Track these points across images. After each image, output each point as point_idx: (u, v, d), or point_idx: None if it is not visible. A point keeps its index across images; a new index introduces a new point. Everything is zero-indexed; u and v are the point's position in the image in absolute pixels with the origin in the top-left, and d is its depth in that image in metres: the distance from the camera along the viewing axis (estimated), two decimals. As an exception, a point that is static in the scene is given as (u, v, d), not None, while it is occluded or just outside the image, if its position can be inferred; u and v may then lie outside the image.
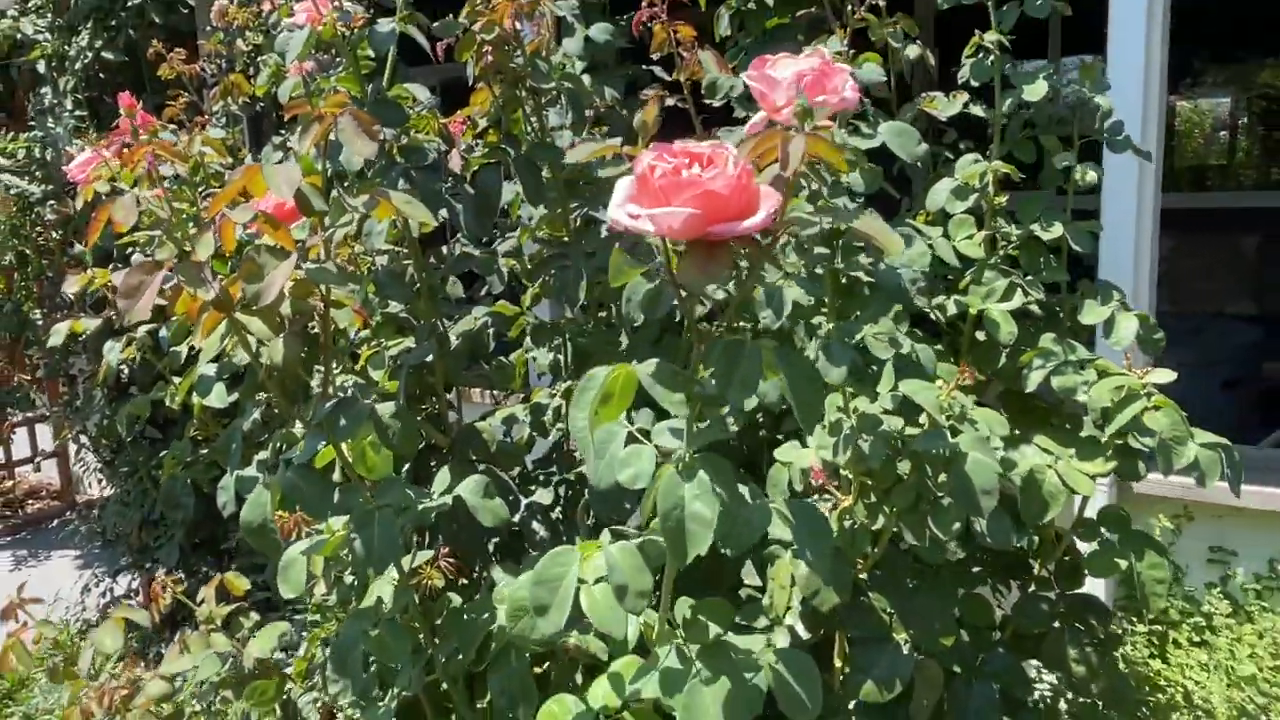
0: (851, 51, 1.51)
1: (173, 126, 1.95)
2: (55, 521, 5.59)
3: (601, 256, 1.65)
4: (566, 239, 1.73)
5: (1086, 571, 1.61)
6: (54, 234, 3.52)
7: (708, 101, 1.82)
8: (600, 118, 1.97)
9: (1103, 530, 1.61)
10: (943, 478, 1.27)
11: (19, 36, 3.43)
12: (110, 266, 1.97)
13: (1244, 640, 2.31)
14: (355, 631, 1.30)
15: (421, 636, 1.45)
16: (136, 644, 3.59)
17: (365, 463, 1.38)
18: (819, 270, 1.27)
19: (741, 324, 1.45)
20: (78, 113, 3.34)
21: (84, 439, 3.92)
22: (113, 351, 1.87)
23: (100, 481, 5.95)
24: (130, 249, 3.16)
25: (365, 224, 1.43)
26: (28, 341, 5.06)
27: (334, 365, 1.34)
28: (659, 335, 1.82)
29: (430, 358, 1.61)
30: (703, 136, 1.66)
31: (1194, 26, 7.71)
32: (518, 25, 1.42)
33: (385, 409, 1.26)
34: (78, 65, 3.28)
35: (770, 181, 0.91)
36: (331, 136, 1.14)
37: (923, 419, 1.31)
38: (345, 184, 1.71)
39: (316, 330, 1.26)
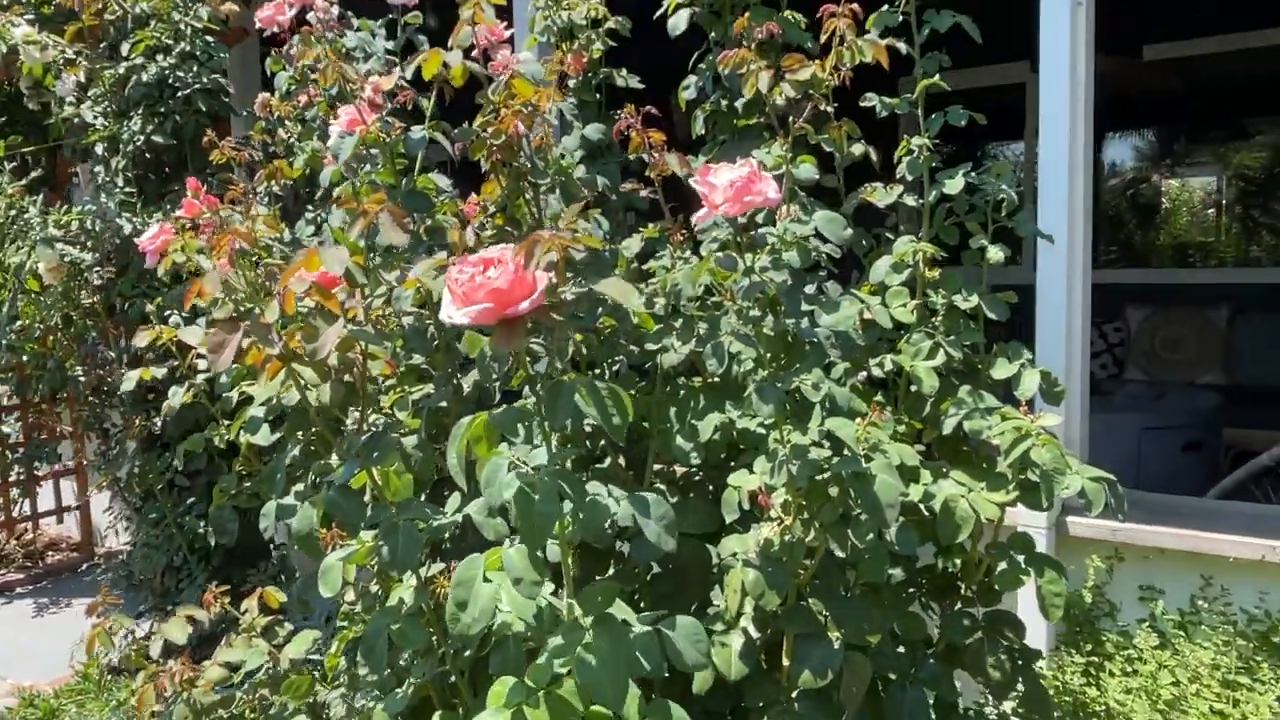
0: (791, 156, 1.85)
1: (232, 207, 2.28)
2: (81, 569, 5.84)
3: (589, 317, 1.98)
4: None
5: (996, 586, 1.90)
6: (97, 297, 3.86)
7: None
8: (597, 201, 2.31)
9: (1011, 552, 1.90)
10: (858, 499, 1.57)
11: (76, 120, 3.82)
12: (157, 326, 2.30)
13: (1166, 667, 2.57)
14: (381, 625, 1.59)
15: (435, 637, 1.74)
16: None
17: (390, 487, 1.68)
18: (758, 329, 1.59)
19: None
20: (127, 189, 3.71)
21: (110, 489, 4.20)
22: (177, 396, 2.18)
23: (117, 534, 6.24)
24: (167, 310, 3.50)
25: (394, 291, 1.75)
26: (57, 398, 5.40)
27: (368, 406, 1.65)
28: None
29: (445, 402, 1.92)
30: (672, 218, 2.01)
31: (1173, 109, 8.17)
32: (520, 129, 1.76)
33: (409, 442, 1.56)
34: (129, 147, 3.66)
35: (546, 267, 1.26)
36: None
37: (845, 450, 1.62)
38: (375, 256, 2.04)
39: (352, 378, 1.57)
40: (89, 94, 3.68)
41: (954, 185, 2.01)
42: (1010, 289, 2.20)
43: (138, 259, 3.77)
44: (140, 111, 3.70)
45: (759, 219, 1.87)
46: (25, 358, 4.22)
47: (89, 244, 3.75)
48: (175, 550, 4.07)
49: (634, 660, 1.41)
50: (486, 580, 1.52)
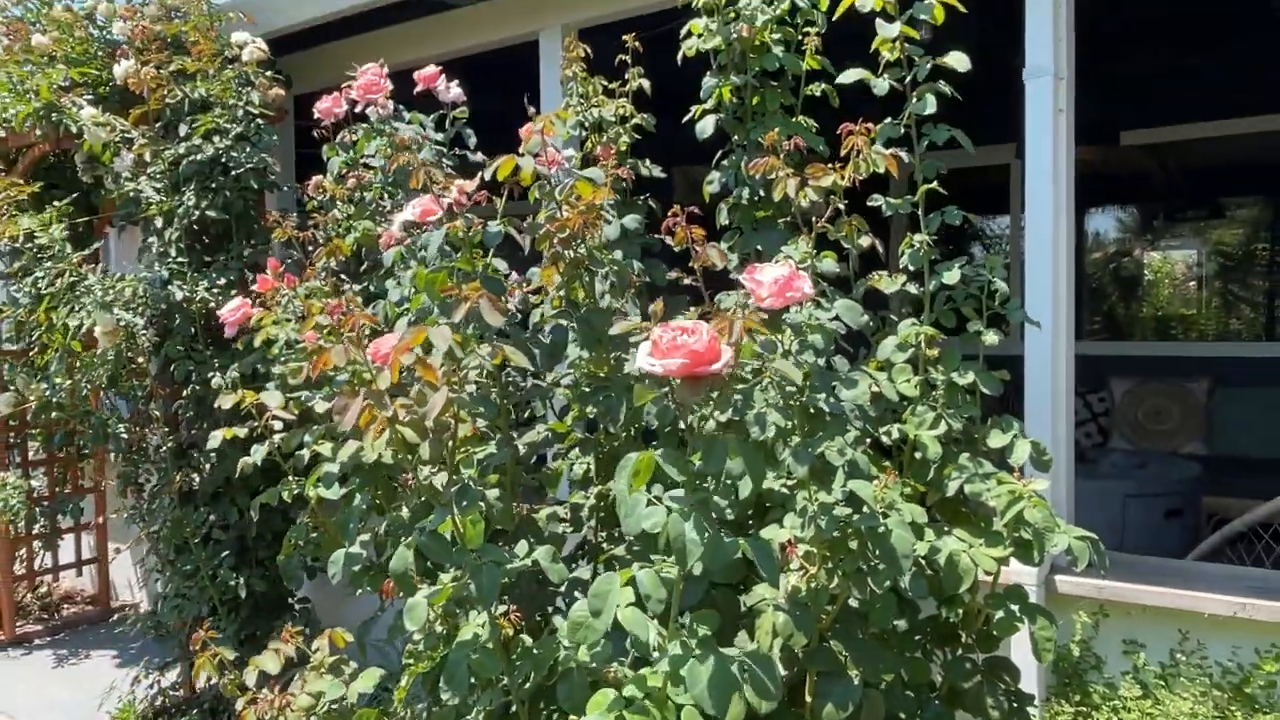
0: (817, 252, 2.14)
1: (316, 285, 2.54)
2: (98, 622, 5.97)
3: (622, 391, 2.24)
4: (605, 375, 2.32)
5: (994, 632, 2.14)
6: (145, 359, 4.10)
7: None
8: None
9: (1007, 602, 2.15)
10: (876, 550, 1.82)
11: (132, 195, 4.10)
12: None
13: (1149, 716, 2.79)
14: (461, 655, 1.81)
15: (502, 669, 1.96)
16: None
17: (468, 535, 1.92)
18: (791, 402, 1.85)
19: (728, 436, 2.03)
20: (179, 259, 3.98)
21: (149, 542, 4.39)
22: (258, 453, 2.42)
23: (132, 589, 6.38)
24: (231, 374, 3.73)
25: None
26: (83, 454, 5.60)
27: (454, 463, 1.89)
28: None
29: (504, 461, 2.17)
30: (710, 301, 2.28)
31: (1151, 188, 8.58)
32: (582, 224, 2.04)
33: (491, 494, 1.81)
34: (183, 220, 3.94)
35: (729, 341, 1.54)
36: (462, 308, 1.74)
37: (865, 508, 1.88)
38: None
39: (444, 438, 1.82)
40: (148, 170, 3.97)
41: (951, 276, 2.30)
42: (1001, 360, 2.48)
43: (184, 323, 4.04)
44: (193, 187, 3.99)
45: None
46: (67, 414, 4.44)
47: (139, 309, 4.01)
48: (206, 602, 4.25)
49: (734, 680, 1.65)
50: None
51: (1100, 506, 4.86)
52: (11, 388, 4.82)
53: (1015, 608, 2.12)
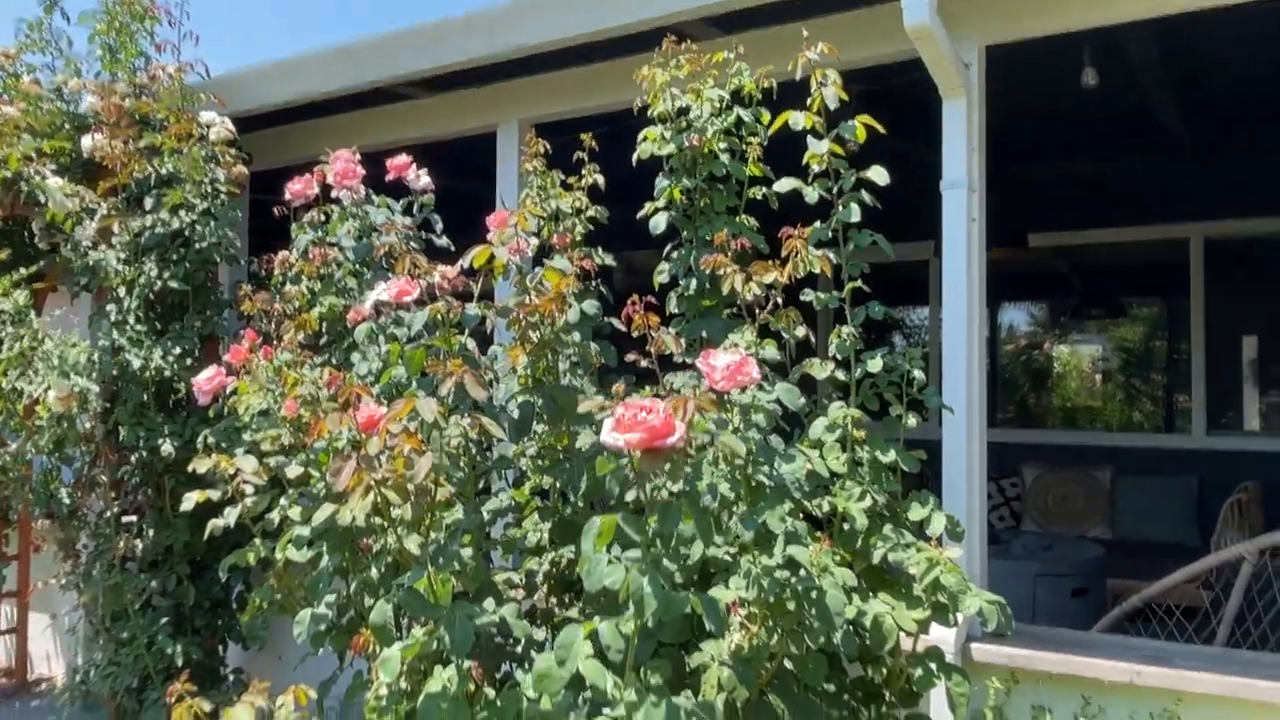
0: (760, 340, 2.39)
1: (287, 356, 2.69)
2: (23, 693, 5.82)
3: (582, 463, 2.44)
4: (563, 448, 2.52)
5: (914, 689, 2.35)
6: (95, 424, 4.16)
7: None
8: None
9: (925, 661, 2.37)
10: (812, 610, 2.03)
11: (89, 264, 4.20)
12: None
13: (1053, 774, 3.01)
14: (431, 705, 1.95)
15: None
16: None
17: (438, 592, 2.08)
18: (737, 474, 2.08)
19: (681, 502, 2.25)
20: (138, 327, 4.08)
21: (86, 608, 4.36)
22: (231, 515, 2.53)
23: (49, 660, 6.21)
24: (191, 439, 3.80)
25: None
26: (9, 519, 5.52)
27: (434, 525, 2.06)
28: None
29: (472, 527, 2.33)
30: (661, 382, 2.51)
31: (1059, 286, 9.16)
32: (554, 310, 2.26)
33: (465, 554, 1.97)
34: (143, 290, 4.05)
35: (683, 419, 1.76)
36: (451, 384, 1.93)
37: (802, 571, 2.09)
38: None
39: (423, 500, 1.99)
40: (111, 240, 4.08)
41: (875, 365, 2.57)
42: (919, 443, 2.75)
43: (136, 390, 4.11)
44: (153, 258, 4.12)
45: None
46: (8, 479, 4.43)
47: (93, 375, 4.08)
48: (139, 671, 4.23)
49: None
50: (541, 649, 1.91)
51: (1012, 585, 5.15)
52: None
53: (934, 665, 2.34)
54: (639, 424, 1.74)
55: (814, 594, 2.01)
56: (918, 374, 2.59)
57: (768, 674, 2.19)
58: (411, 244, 3.23)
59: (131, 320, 4.07)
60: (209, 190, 4.15)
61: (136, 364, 3.97)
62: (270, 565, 2.65)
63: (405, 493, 1.86)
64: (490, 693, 2.10)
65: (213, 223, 4.13)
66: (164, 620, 4.14)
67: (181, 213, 4.06)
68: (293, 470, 2.48)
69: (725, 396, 2.30)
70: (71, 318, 4.78)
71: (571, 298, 2.92)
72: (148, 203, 4.11)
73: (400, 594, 1.92)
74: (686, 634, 2.32)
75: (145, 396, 4.11)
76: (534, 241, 3.51)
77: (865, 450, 2.60)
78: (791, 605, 2.09)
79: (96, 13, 4.52)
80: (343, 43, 4.31)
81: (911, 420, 2.58)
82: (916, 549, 2.36)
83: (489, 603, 2.11)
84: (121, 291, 4.06)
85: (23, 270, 4.14)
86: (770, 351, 2.40)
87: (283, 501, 2.52)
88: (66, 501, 4.28)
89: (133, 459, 4.12)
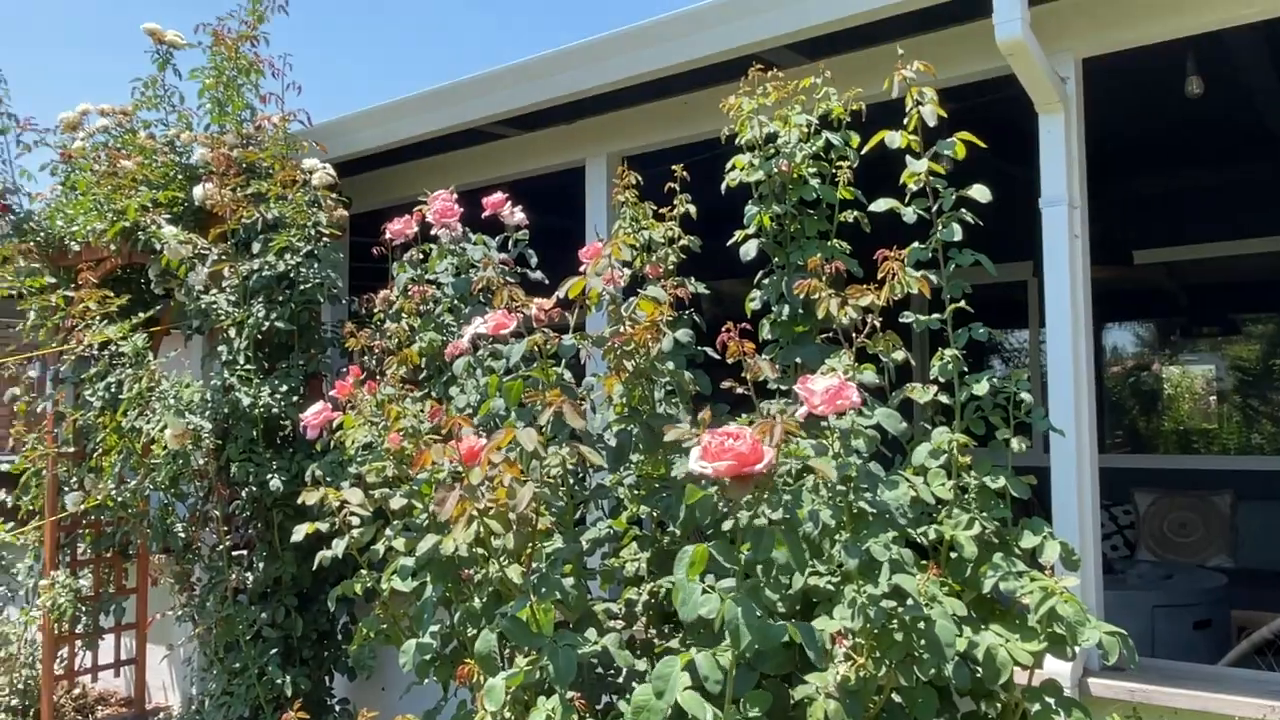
0: (858, 364, 2.35)
1: (391, 390, 2.76)
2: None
3: (679, 492, 2.42)
4: (659, 476, 2.51)
5: (1029, 724, 2.25)
6: (208, 460, 4.32)
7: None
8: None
9: (1042, 695, 2.27)
10: (921, 640, 1.96)
11: (202, 307, 4.39)
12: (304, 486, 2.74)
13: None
14: (536, 734, 1.96)
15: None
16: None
17: (540, 622, 2.08)
18: (838, 501, 2.03)
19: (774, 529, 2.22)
20: (247, 366, 4.24)
21: (201, 640, 4.51)
22: (339, 546, 2.59)
23: (165, 691, 6.44)
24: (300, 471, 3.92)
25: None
26: (128, 553, 5.75)
27: (536, 554, 2.07)
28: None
29: (571, 556, 2.34)
30: (757, 406, 2.48)
31: (1168, 304, 8.80)
32: (648, 339, 2.26)
33: (567, 583, 1.98)
34: (251, 330, 4.21)
35: (771, 444, 1.73)
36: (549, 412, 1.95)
37: (909, 601, 2.03)
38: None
39: (525, 529, 2.01)
40: (222, 284, 4.27)
41: (981, 388, 2.49)
42: (1025, 469, 2.65)
43: (245, 427, 4.26)
44: (260, 300, 4.28)
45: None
46: (124, 513, 4.63)
47: (205, 413, 4.24)
48: (250, 702, 4.35)
49: None
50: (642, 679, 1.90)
51: (1129, 617, 4.92)
52: (68, 488, 5.05)
53: (1051, 701, 2.24)
54: (726, 451, 1.73)
55: (922, 624, 1.95)
56: (1025, 396, 2.51)
57: (875, 708, 2.13)
58: (507, 278, 3.29)
59: (241, 360, 4.23)
60: (311, 234, 4.30)
61: (246, 401, 4.12)
62: (376, 596, 2.70)
63: (507, 522, 1.88)
64: (594, 724, 2.09)
65: (315, 264, 4.27)
66: (273, 651, 4.25)
67: (287, 256, 4.21)
68: (396, 501, 2.52)
69: (825, 422, 2.26)
70: (183, 360, 4.99)
71: (665, 326, 2.93)
72: (255, 247, 4.28)
73: (504, 623, 1.93)
74: (789, 666, 2.27)
75: (254, 433, 4.26)
76: (626, 272, 3.55)
77: (972, 476, 2.52)
78: (899, 636, 2.03)
79: (205, 68, 4.75)
80: (435, 87, 4.44)
81: (1021, 445, 2.49)
82: (1030, 578, 2.27)
83: (590, 633, 2.11)
84: (231, 332, 4.22)
85: (140, 315, 4.34)
86: (869, 376, 2.35)
87: (387, 533, 2.56)
88: (181, 536, 4.44)
89: (243, 494, 4.26)
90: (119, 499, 4.33)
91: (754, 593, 1.79)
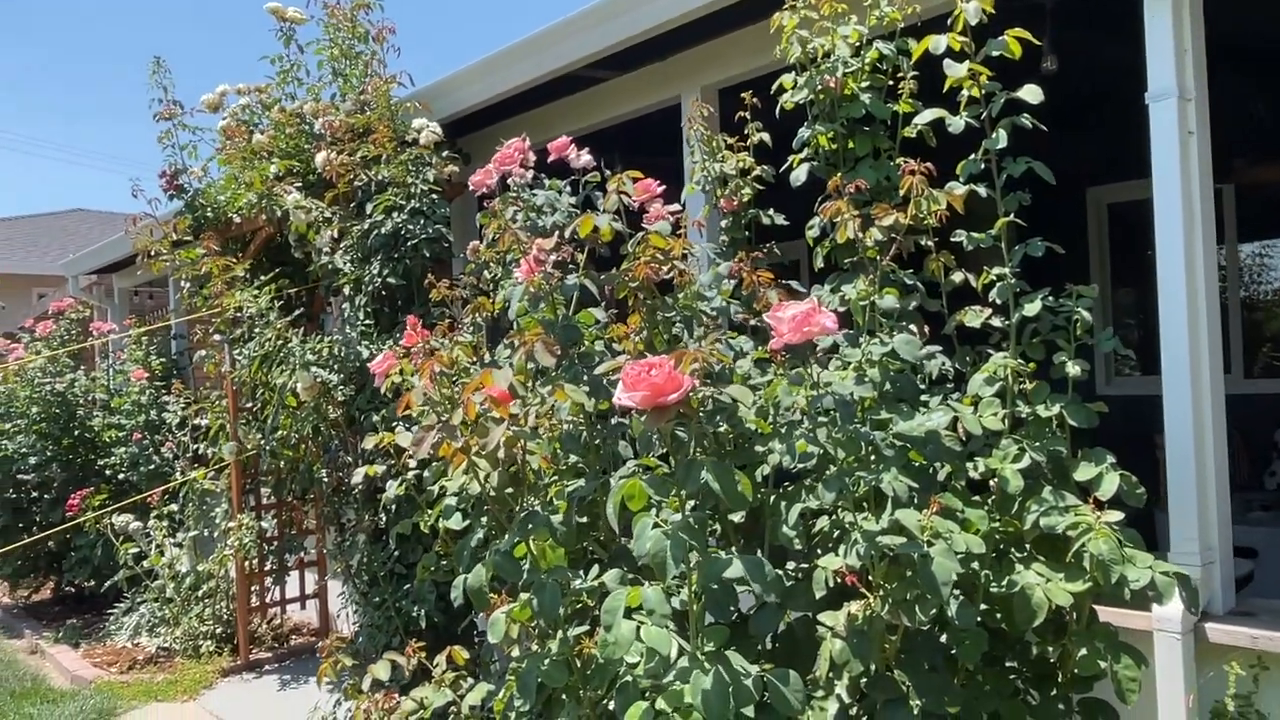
0: (879, 288, 2.20)
1: (447, 336, 2.84)
2: (318, 650, 6.61)
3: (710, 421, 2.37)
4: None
5: (1075, 670, 2.07)
6: (340, 411, 4.63)
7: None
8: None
9: (1093, 640, 2.08)
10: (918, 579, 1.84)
11: (330, 266, 4.67)
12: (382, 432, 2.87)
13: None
14: (533, 668, 2.00)
15: (580, 689, 2.12)
16: None
17: (546, 558, 2.11)
18: (833, 435, 1.93)
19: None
20: (366, 322, 4.50)
21: (343, 576, 4.89)
22: (392, 488, 2.73)
23: (347, 618, 7.03)
24: (394, 422, 4.14)
25: (553, 403, 2.22)
26: (305, 497, 6.29)
27: (528, 492, 2.10)
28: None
29: (594, 494, 2.34)
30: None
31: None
32: (651, 274, 2.21)
33: (556, 519, 1.99)
34: (369, 287, 4.45)
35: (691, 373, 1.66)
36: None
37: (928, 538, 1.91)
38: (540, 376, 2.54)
39: (516, 468, 2.03)
40: (341, 245, 4.52)
41: (1032, 308, 2.28)
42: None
43: (371, 379, 4.52)
44: (379, 258, 4.50)
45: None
46: (283, 462, 5.05)
47: (335, 367, 4.54)
48: (394, 632, 4.68)
49: (741, 691, 1.75)
50: (629, 617, 1.91)
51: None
52: (224, 438, 5.57)
53: (1100, 645, 2.05)
54: (641, 381, 1.67)
55: (918, 560, 1.83)
56: (1083, 314, 2.27)
57: (892, 647, 2.03)
58: (575, 220, 3.29)
59: (361, 315, 4.48)
60: (417, 191, 4.46)
61: (366, 354, 4.36)
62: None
63: (496, 461, 1.90)
64: (600, 657, 2.10)
65: (422, 220, 4.44)
66: (406, 587, 4.53)
67: (394, 214, 4.40)
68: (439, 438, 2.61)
69: (840, 352, 2.14)
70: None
71: (714, 255, 2.86)
72: (368, 208, 4.50)
73: (495, 558, 1.98)
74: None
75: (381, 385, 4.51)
76: (704, 207, 3.47)
77: (1025, 406, 2.32)
78: (908, 573, 1.92)
79: (321, 40, 5.00)
80: (525, 36, 4.47)
81: (1076, 369, 2.26)
82: (1074, 513, 2.07)
83: (594, 570, 2.12)
84: (348, 290, 4.47)
85: (264, 278, 4.67)
86: (889, 300, 2.20)
87: (425, 474, 2.66)
88: (325, 481, 4.79)
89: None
90: (267, 448, 4.71)
91: (687, 529, 1.73)
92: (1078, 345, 2.31)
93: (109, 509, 6.75)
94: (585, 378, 2.33)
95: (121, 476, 7.43)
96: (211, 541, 6.86)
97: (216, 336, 4.94)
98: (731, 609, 1.95)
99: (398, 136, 4.57)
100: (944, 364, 2.55)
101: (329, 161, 4.55)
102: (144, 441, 7.49)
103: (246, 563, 6.26)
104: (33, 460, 7.51)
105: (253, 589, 6.55)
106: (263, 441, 4.76)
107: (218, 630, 6.61)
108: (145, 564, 6.66)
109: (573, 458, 2.38)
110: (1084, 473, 2.20)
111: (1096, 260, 6.88)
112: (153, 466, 7.37)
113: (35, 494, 7.59)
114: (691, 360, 1.65)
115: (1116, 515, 2.00)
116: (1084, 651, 2.06)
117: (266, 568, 6.48)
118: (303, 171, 4.98)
